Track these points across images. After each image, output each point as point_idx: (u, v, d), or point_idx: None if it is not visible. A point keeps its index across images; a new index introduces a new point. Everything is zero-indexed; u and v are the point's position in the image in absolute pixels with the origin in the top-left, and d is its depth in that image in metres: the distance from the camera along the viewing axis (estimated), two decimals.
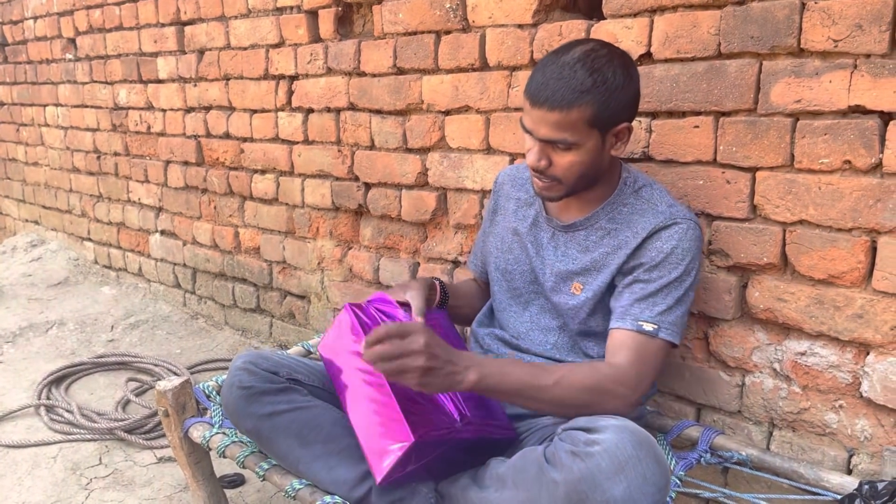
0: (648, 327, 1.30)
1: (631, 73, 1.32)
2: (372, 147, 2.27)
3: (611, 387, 1.25)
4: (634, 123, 1.58)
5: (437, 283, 1.59)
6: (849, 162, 1.36)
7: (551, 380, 1.23)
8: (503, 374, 1.21)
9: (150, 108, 3.21)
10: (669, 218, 1.36)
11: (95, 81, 3.51)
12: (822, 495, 1.36)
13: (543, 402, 1.24)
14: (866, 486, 1.19)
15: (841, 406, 1.46)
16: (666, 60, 1.57)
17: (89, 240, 3.95)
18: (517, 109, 1.86)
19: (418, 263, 2.25)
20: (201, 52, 2.84)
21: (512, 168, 1.66)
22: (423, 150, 2.13)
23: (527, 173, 1.60)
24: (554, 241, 1.48)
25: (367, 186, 2.33)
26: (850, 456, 1.46)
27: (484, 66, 1.92)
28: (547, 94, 1.27)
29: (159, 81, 3.11)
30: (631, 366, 1.28)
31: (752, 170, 1.49)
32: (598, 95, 1.26)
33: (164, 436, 2.16)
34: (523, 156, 1.87)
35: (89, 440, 2.19)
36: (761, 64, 1.44)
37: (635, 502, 1.01)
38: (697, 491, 1.51)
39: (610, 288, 1.40)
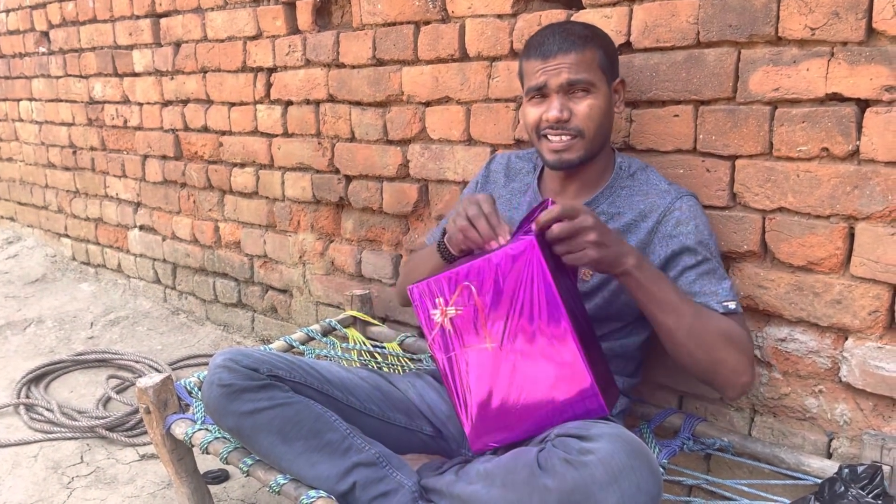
0: (732, 305, 1.32)
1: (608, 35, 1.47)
2: (352, 139, 2.26)
3: (739, 346, 1.27)
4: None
5: None
6: (826, 149, 1.37)
7: (693, 309, 1.25)
8: (656, 275, 1.24)
9: (126, 101, 3.17)
10: (676, 196, 1.41)
11: (70, 75, 3.46)
12: (803, 479, 1.38)
13: (679, 326, 1.24)
14: (846, 470, 1.20)
15: (821, 391, 1.47)
16: (645, 49, 1.57)
17: (66, 236, 3.90)
18: (498, 100, 1.86)
19: (401, 255, 2.24)
20: (177, 44, 2.81)
21: (504, 156, 1.66)
22: (404, 142, 2.12)
23: (520, 164, 1.60)
24: None
25: (348, 179, 2.32)
26: (830, 440, 1.48)
27: (464, 56, 1.91)
28: (558, 43, 1.37)
29: (135, 75, 3.07)
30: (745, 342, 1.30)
31: (732, 158, 1.50)
32: (599, 41, 1.40)
33: (146, 433, 2.15)
34: (505, 147, 1.87)
35: (70, 439, 2.17)
36: (739, 52, 1.45)
37: None
38: (680, 478, 1.52)
39: None
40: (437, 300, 1.24)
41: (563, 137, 1.39)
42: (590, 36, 1.38)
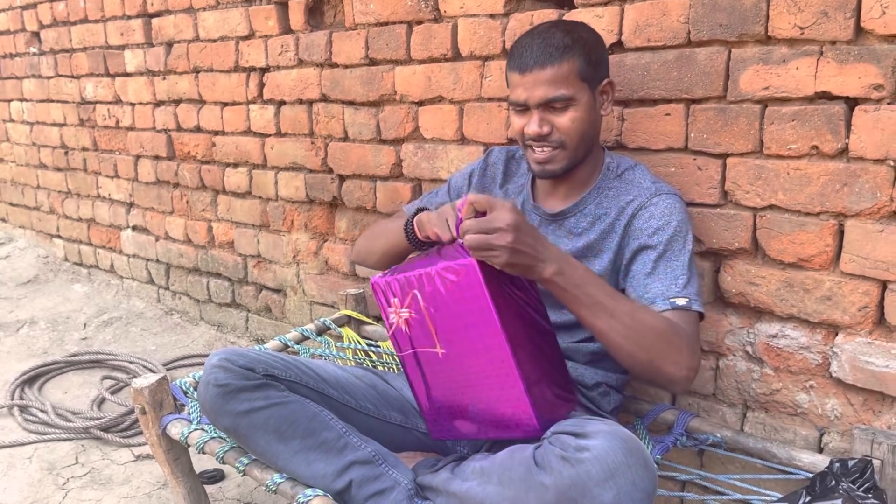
0: (682, 301, 1.28)
1: (597, 34, 1.43)
2: (345, 139, 2.26)
3: (678, 341, 1.22)
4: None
5: None
6: (816, 147, 1.38)
7: (627, 308, 1.21)
8: (583, 279, 1.19)
9: (118, 101, 3.17)
10: (655, 192, 1.40)
11: (61, 75, 3.45)
12: (795, 474, 1.39)
13: (612, 328, 1.20)
14: (837, 464, 1.21)
15: (811, 386, 1.49)
16: (637, 49, 1.58)
17: (59, 237, 3.89)
18: (490, 99, 1.87)
19: None
20: (169, 44, 2.80)
21: (503, 151, 1.65)
22: (397, 142, 2.12)
23: (516, 164, 1.61)
24: (542, 229, 1.49)
25: (342, 178, 2.32)
26: (821, 435, 1.49)
27: (456, 56, 1.91)
28: (535, 57, 1.34)
29: (127, 75, 3.06)
30: (688, 337, 1.26)
31: (723, 156, 1.51)
32: (580, 49, 1.34)
33: (141, 433, 2.15)
34: (498, 146, 1.87)
35: (65, 440, 2.17)
36: (730, 52, 1.46)
37: None
38: (674, 474, 1.53)
39: (612, 272, 1.41)
40: (392, 300, 1.28)
41: (546, 149, 1.39)
42: (569, 45, 1.33)
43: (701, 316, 1.32)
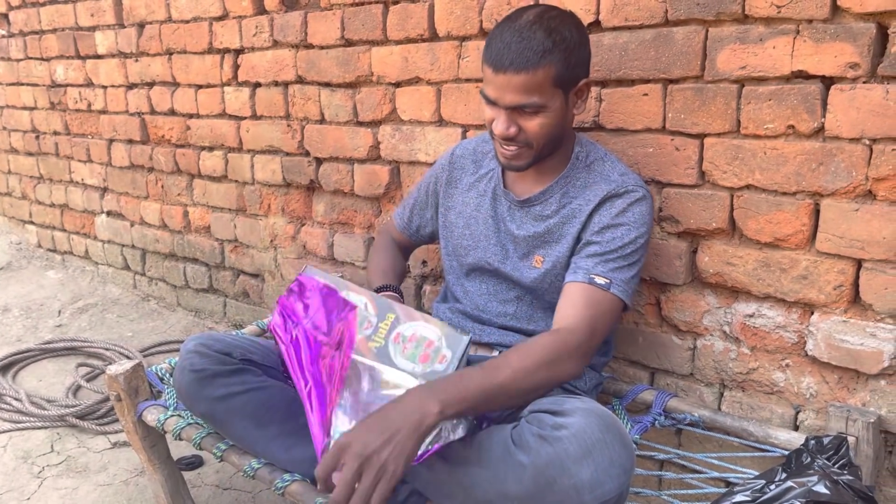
0: (600, 280, 1.31)
1: (582, 30, 1.34)
2: (322, 121, 2.24)
3: (565, 350, 1.24)
4: None
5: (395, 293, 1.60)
6: (792, 127, 1.38)
7: (508, 373, 1.18)
8: (461, 390, 1.13)
9: (89, 84, 3.10)
10: (621, 186, 1.38)
11: (31, 58, 3.37)
12: (771, 451, 1.41)
13: (510, 398, 1.19)
14: (812, 442, 1.22)
15: (787, 365, 1.50)
16: (614, 28, 1.57)
17: (31, 223, 3.82)
18: (468, 80, 1.85)
19: (373, 238, 2.23)
20: (141, 25, 2.75)
21: (470, 142, 1.64)
22: (375, 123, 2.10)
23: (485, 147, 1.59)
24: (511, 213, 1.49)
25: (319, 161, 2.29)
26: (797, 413, 1.51)
27: (433, 36, 1.89)
28: (511, 58, 1.26)
29: (98, 57, 3.00)
30: (583, 318, 1.28)
31: (700, 136, 1.51)
32: (560, 54, 1.27)
33: (117, 421, 2.13)
34: (476, 127, 1.86)
35: (40, 428, 2.14)
36: (707, 31, 1.45)
37: (602, 485, 1.02)
38: (652, 453, 1.55)
39: (570, 259, 1.41)
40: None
41: (512, 147, 1.36)
42: (549, 49, 1.25)
43: (623, 305, 1.34)
